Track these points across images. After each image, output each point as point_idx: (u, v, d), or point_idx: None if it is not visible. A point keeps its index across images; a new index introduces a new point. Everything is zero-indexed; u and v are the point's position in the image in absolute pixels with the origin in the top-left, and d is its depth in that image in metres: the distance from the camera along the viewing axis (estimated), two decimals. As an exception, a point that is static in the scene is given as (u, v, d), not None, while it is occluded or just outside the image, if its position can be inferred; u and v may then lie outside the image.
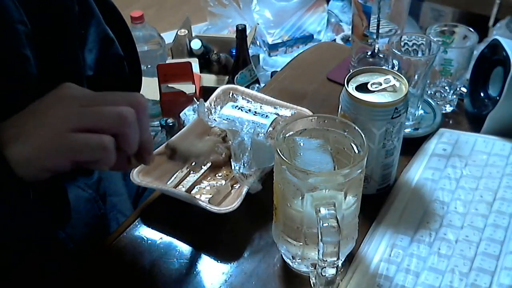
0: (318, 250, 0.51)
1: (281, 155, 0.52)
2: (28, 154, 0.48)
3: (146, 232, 0.67)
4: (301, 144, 0.56)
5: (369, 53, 0.88)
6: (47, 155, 0.48)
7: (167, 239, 0.66)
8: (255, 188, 0.67)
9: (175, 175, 0.71)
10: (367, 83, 0.62)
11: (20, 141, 0.48)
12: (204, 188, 0.71)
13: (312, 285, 0.57)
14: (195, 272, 0.62)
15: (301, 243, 0.56)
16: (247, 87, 1.59)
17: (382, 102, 0.61)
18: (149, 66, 1.72)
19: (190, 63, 1.54)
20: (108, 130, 0.49)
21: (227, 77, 1.77)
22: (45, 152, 0.48)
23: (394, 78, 0.63)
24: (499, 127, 0.76)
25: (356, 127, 0.55)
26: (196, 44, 1.80)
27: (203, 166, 0.72)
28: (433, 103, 0.81)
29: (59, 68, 0.62)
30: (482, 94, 0.80)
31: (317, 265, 0.53)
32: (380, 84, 0.62)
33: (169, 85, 1.44)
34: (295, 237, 0.56)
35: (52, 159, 0.48)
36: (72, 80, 0.57)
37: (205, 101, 0.77)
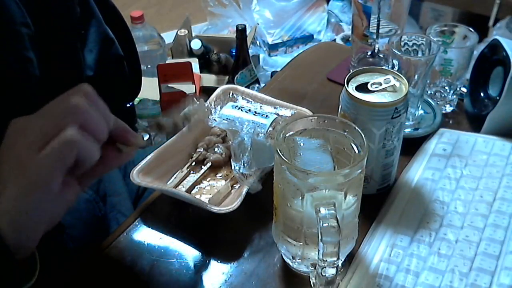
0: (318, 250, 0.51)
1: (281, 155, 0.52)
2: (15, 201, 0.44)
3: (146, 232, 0.67)
4: (301, 144, 0.56)
5: (369, 53, 0.88)
6: (32, 187, 0.44)
7: (167, 239, 0.66)
8: (255, 188, 0.67)
9: (175, 175, 0.71)
10: (367, 83, 0.62)
11: (4, 192, 0.44)
12: (204, 188, 0.71)
13: (312, 285, 0.57)
14: (195, 272, 0.62)
15: (301, 243, 0.56)
16: (247, 87, 1.59)
17: (382, 102, 0.61)
18: (149, 66, 1.72)
19: (190, 63, 1.53)
20: (66, 126, 0.45)
21: (227, 77, 1.77)
22: (29, 186, 0.44)
23: (394, 78, 0.63)
24: (499, 127, 0.76)
25: (356, 127, 0.55)
26: (196, 44, 1.80)
27: (203, 166, 0.72)
28: (433, 103, 0.81)
29: (60, 68, 0.62)
30: (482, 94, 0.80)
31: (317, 265, 0.53)
32: (380, 84, 0.62)
33: (169, 85, 1.44)
34: (295, 237, 0.56)
35: (42, 188, 0.45)
36: (73, 81, 0.57)
37: (205, 101, 0.77)
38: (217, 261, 0.63)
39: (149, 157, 0.69)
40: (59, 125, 0.45)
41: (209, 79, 1.77)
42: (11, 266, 0.45)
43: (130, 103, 1.40)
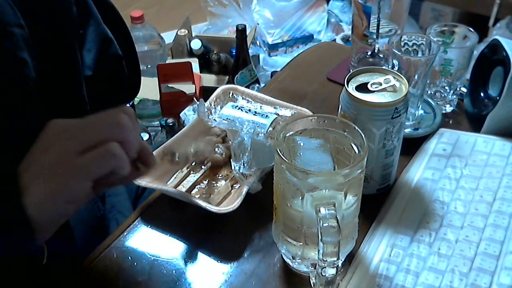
0: (318, 250, 0.51)
1: (281, 155, 0.52)
2: (46, 193, 0.48)
3: (146, 232, 0.67)
4: (301, 144, 0.56)
5: (369, 53, 0.88)
6: (64, 186, 0.48)
7: (167, 239, 0.66)
8: (255, 188, 0.67)
9: (175, 175, 0.71)
10: (367, 83, 0.62)
11: (35, 184, 0.48)
12: (204, 188, 0.71)
13: (312, 285, 0.57)
14: (195, 272, 0.62)
15: (301, 243, 0.56)
16: (247, 87, 1.59)
17: (382, 102, 0.61)
18: (149, 66, 1.72)
19: (190, 63, 1.54)
20: (109, 139, 0.49)
21: (227, 77, 1.77)
22: (61, 185, 0.48)
23: (394, 78, 0.63)
24: (499, 127, 0.76)
25: (356, 127, 0.55)
26: (196, 44, 1.80)
27: (203, 166, 0.72)
28: (433, 103, 0.81)
29: (58, 70, 0.62)
30: (482, 94, 0.80)
31: (317, 265, 0.53)
32: (380, 84, 0.62)
33: (169, 85, 1.44)
34: (295, 237, 0.56)
35: (71, 188, 0.48)
36: (71, 81, 0.57)
37: (205, 101, 0.77)
38: (217, 261, 0.63)
39: (149, 157, 0.69)
40: (102, 137, 0.49)
41: (209, 79, 1.77)
42: (31, 250, 0.49)
43: (130, 103, 1.40)
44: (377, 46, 0.87)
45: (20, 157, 0.50)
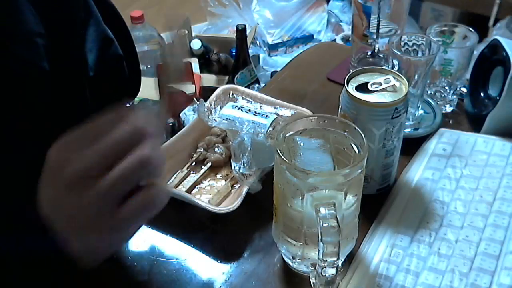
0: (318, 250, 0.51)
1: (281, 155, 0.52)
2: (87, 247, 0.44)
3: (146, 232, 0.67)
4: (301, 144, 0.56)
5: (369, 53, 0.88)
6: (106, 239, 0.45)
7: (167, 239, 0.66)
8: (255, 188, 0.67)
9: (175, 175, 0.71)
10: (367, 83, 0.62)
11: (73, 241, 0.44)
12: (204, 188, 0.71)
13: (312, 285, 0.57)
14: (195, 272, 0.62)
15: (301, 243, 0.56)
16: (247, 87, 1.59)
17: (382, 102, 0.61)
18: (149, 66, 1.72)
19: (190, 63, 1.54)
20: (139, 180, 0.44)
21: (227, 77, 1.77)
22: (103, 239, 0.45)
23: (394, 78, 0.63)
24: (499, 127, 0.76)
25: (356, 127, 0.55)
26: (196, 44, 1.79)
27: (203, 166, 0.72)
28: (433, 103, 0.81)
29: (66, 73, 0.61)
30: (482, 94, 0.80)
31: (317, 265, 0.53)
32: (380, 84, 0.62)
33: (169, 85, 1.44)
34: (295, 237, 0.56)
35: (114, 238, 0.45)
36: (77, 84, 0.56)
37: (205, 101, 0.77)
38: (217, 261, 0.63)
39: (149, 157, 0.69)
40: (129, 183, 0.43)
41: (209, 79, 1.77)
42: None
43: (130, 103, 1.40)
44: (377, 46, 0.87)
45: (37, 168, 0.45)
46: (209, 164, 0.72)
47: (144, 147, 0.44)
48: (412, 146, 0.75)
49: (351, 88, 0.62)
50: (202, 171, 0.72)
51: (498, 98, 0.75)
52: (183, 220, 0.68)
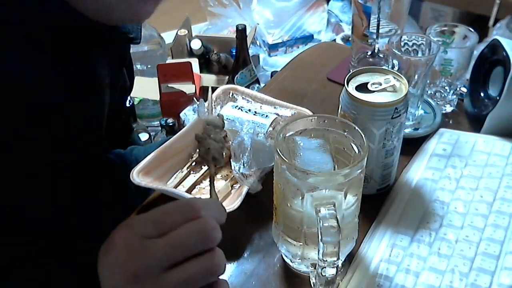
0: (318, 250, 0.51)
1: (281, 155, 0.52)
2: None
3: (146, 232, 0.67)
4: (301, 144, 0.56)
5: (369, 53, 0.88)
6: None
7: (167, 239, 0.66)
8: (255, 188, 0.67)
9: (175, 175, 0.71)
10: (367, 83, 0.62)
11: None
12: (204, 188, 0.71)
13: (312, 285, 0.57)
14: (195, 272, 0.62)
15: (301, 243, 0.56)
16: (247, 87, 1.59)
17: (382, 102, 0.61)
18: (149, 66, 1.72)
19: (190, 63, 1.54)
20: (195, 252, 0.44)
21: (227, 77, 1.77)
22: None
23: (394, 78, 0.63)
24: (499, 127, 0.76)
25: (356, 127, 0.55)
26: (196, 44, 1.80)
27: (203, 166, 0.72)
28: (433, 103, 0.81)
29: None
30: (482, 94, 0.80)
31: (317, 265, 0.53)
32: (380, 84, 0.62)
33: (169, 85, 1.44)
34: (295, 237, 0.56)
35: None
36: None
37: (205, 101, 0.77)
38: (217, 261, 0.63)
39: (149, 157, 0.69)
40: (187, 252, 0.44)
41: (209, 79, 1.77)
42: None
43: (130, 103, 1.40)
44: (377, 46, 0.87)
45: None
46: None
47: (214, 255, 0.44)
48: (412, 146, 0.75)
49: (351, 88, 0.62)
50: (202, 171, 0.72)
51: (498, 98, 0.75)
52: (183, 220, 0.68)
